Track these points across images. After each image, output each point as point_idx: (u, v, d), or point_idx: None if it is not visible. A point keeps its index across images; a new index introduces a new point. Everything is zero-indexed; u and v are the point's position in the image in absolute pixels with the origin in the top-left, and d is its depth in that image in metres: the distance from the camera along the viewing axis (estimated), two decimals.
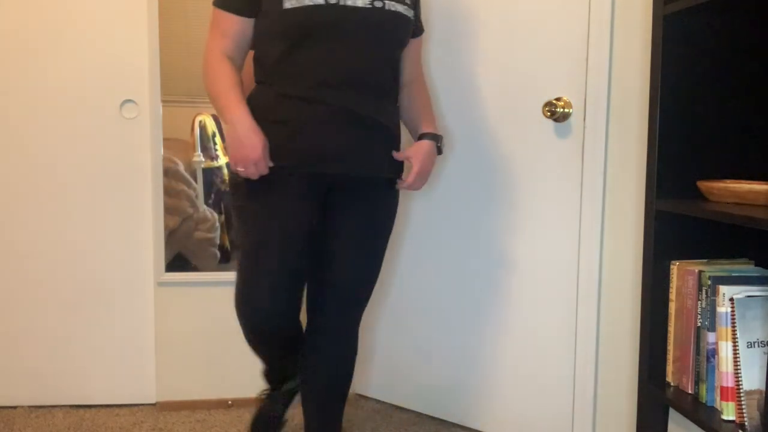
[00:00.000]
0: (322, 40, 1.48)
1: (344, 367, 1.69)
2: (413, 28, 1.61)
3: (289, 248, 1.53)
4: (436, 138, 1.64)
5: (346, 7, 1.46)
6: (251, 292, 1.56)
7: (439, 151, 1.65)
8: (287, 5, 1.45)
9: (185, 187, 2.17)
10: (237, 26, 1.52)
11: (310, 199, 1.54)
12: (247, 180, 1.51)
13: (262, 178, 1.50)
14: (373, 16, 1.48)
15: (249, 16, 1.52)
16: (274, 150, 1.50)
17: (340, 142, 1.51)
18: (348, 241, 1.60)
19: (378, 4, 1.48)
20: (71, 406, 2.22)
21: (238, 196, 1.56)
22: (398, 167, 1.63)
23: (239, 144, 1.45)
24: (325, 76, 1.49)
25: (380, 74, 1.54)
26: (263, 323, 1.59)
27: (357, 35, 1.48)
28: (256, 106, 1.52)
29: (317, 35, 1.47)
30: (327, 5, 1.45)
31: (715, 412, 1.23)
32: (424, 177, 1.61)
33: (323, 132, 1.50)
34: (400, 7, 1.51)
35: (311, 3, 1.45)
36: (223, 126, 1.52)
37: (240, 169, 1.47)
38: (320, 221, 1.59)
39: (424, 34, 1.73)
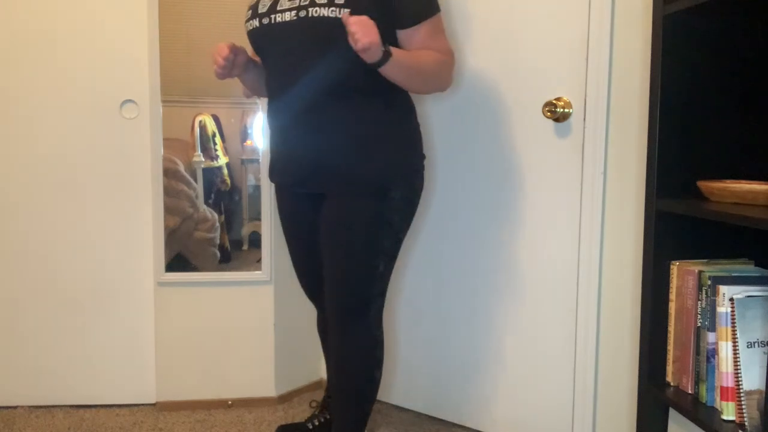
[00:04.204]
0: (266, 60, 1.61)
1: (342, 363, 1.67)
2: (407, 15, 1.51)
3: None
4: (387, 51, 1.43)
5: (273, 25, 1.52)
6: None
7: (382, 59, 1.42)
8: (246, 30, 1.62)
9: (185, 187, 2.17)
10: None
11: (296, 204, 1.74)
12: None
13: None
14: (300, 26, 1.48)
15: None
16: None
17: (279, 158, 1.66)
18: (322, 242, 1.65)
19: (302, 14, 1.47)
20: (71, 406, 2.22)
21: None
22: (329, 179, 1.58)
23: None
24: (271, 94, 1.63)
25: (317, 83, 1.52)
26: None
27: (288, 49, 1.52)
28: None
29: (262, 56, 1.63)
30: (261, 26, 1.55)
31: (715, 412, 1.23)
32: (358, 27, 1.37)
33: (274, 148, 1.68)
34: (325, 11, 1.45)
35: (251, 27, 1.59)
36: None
37: None
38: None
39: (428, 22, 1.55)
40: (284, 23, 1.50)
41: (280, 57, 1.55)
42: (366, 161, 1.55)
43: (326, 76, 1.51)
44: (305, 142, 1.57)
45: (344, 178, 1.56)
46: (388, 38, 1.49)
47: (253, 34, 1.59)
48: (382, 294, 1.65)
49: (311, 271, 1.77)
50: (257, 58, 1.69)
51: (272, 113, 1.63)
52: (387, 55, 1.43)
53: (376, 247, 1.58)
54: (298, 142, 1.59)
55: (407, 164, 1.61)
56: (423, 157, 1.67)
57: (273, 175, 1.71)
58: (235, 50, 1.58)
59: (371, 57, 1.40)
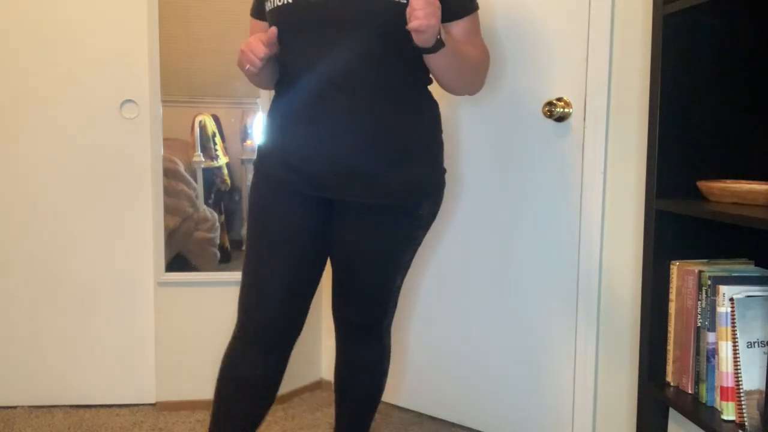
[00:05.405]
0: (292, 42, 1.36)
1: (352, 373, 1.66)
2: (454, 7, 1.38)
3: None
4: (440, 39, 1.27)
5: (310, 3, 1.30)
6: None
7: (435, 46, 1.27)
8: (267, 7, 1.38)
9: (185, 187, 2.17)
10: None
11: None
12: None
13: None
14: (348, 5, 1.29)
15: None
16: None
17: (286, 150, 1.41)
18: (335, 254, 1.53)
19: None
20: (71, 406, 2.22)
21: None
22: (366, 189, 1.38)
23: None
24: (289, 77, 1.41)
25: (357, 71, 1.33)
26: None
27: (325, 32, 1.31)
28: None
29: (287, 37, 1.36)
30: (294, 2, 1.31)
31: (715, 412, 1.23)
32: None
33: (278, 140, 1.43)
34: None
35: (280, 2, 1.33)
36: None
37: None
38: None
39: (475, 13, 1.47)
40: (327, 1, 1.29)
41: (315, 39, 1.32)
42: (399, 170, 1.38)
43: (369, 65, 1.32)
44: (329, 137, 1.34)
45: (373, 187, 1.38)
46: None
47: (281, 12, 1.33)
48: (395, 306, 1.61)
49: (290, 283, 1.45)
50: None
51: (288, 100, 1.40)
52: (440, 44, 1.26)
53: (398, 263, 1.49)
54: (320, 134, 1.35)
55: (438, 178, 1.48)
56: (445, 170, 1.52)
57: (270, 166, 1.43)
58: (270, 46, 1.33)
59: (423, 41, 1.24)
